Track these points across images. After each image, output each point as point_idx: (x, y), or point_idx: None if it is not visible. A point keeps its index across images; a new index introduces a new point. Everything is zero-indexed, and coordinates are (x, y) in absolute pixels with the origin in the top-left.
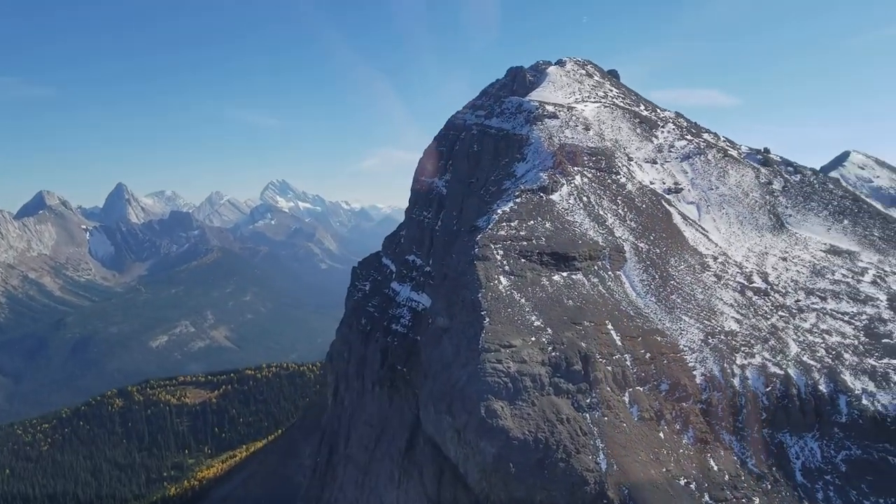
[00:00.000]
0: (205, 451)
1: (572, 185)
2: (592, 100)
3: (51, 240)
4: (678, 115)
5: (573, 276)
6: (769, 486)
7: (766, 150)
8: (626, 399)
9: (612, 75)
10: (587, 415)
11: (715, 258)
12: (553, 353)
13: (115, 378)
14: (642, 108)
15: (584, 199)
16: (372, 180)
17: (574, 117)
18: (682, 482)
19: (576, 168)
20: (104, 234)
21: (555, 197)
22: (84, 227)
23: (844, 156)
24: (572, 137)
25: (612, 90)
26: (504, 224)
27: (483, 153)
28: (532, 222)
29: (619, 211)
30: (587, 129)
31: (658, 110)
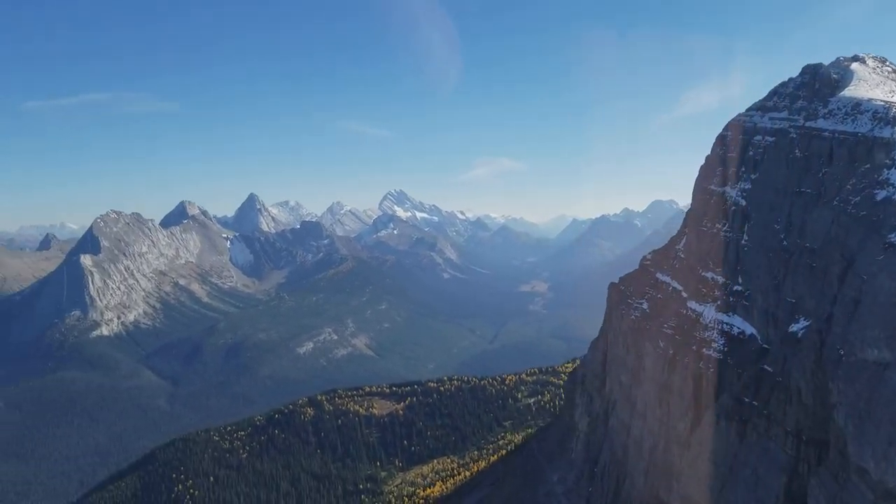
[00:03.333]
0: (395, 464)
1: None
2: None
3: (195, 248)
4: None
5: None
6: None
7: None
8: None
9: None
10: None
11: None
12: None
13: (267, 384)
14: None
15: None
16: (482, 189)
17: None
18: None
19: None
20: (243, 243)
21: None
22: (225, 236)
23: None
24: None
25: None
26: None
27: (813, 158)
28: None
29: None
30: None
31: None
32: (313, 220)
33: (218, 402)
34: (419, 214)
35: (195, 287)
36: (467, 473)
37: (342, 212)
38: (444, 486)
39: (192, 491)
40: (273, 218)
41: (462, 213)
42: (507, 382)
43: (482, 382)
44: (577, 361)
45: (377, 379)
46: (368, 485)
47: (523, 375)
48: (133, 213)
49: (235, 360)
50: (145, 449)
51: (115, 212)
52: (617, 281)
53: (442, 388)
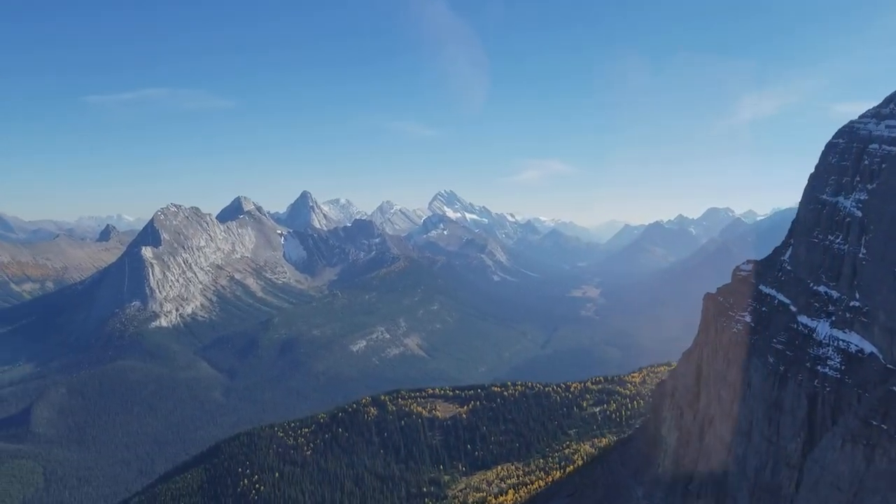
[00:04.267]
0: (459, 468)
1: None
2: None
3: (251, 243)
4: None
5: None
6: None
7: None
8: None
9: None
10: None
11: None
12: None
13: (321, 380)
14: None
15: None
16: (531, 192)
17: None
18: None
19: None
20: (297, 240)
21: None
22: (279, 232)
23: None
24: None
25: None
26: None
27: None
28: None
29: None
30: None
31: None
32: (364, 218)
33: (273, 395)
34: (468, 215)
35: (250, 281)
36: (540, 483)
37: (392, 211)
38: (516, 495)
39: (257, 486)
40: (325, 215)
41: (512, 215)
42: (571, 390)
43: (546, 389)
44: (644, 371)
45: (429, 380)
46: (432, 488)
47: (588, 384)
48: (192, 207)
49: (290, 355)
50: (202, 440)
51: (174, 205)
52: (714, 291)
53: (506, 393)
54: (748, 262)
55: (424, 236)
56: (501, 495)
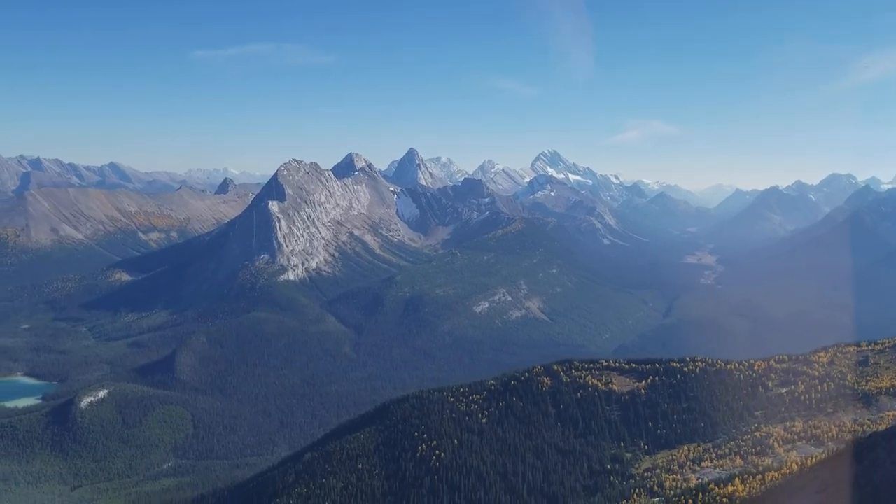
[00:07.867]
0: (640, 446)
1: None
2: None
3: (366, 200)
4: None
5: None
6: None
7: None
8: None
9: None
10: None
11: None
12: None
13: (447, 340)
14: None
15: None
16: (633, 153)
17: None
18: None
19: None
20: (409, 197)
21: None
22: (392, 189)
23: None
24: None
25: None
26: None
27: None
28: None
29: None
30: None
31: None
32: (465, 177)
33: (401, 353)
34: (572, 177)
35: (368, 238)
36: (772, 475)
37: (494, 170)
38: (744, 486)
39: (437, 452)
40: (431, 174)
41: (616, 177)
42: (755, 368)
43: (728, 366)
44: (832, 351)
45: (553, 345)
46: (616, 466)
47: (771, 362)
48: (311, 163)
49: (414, 313)
50: (337, 394)
51: (296, 160)
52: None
53: (685, 369)
54: None
55: (531, 197)
56: (727, 484)
